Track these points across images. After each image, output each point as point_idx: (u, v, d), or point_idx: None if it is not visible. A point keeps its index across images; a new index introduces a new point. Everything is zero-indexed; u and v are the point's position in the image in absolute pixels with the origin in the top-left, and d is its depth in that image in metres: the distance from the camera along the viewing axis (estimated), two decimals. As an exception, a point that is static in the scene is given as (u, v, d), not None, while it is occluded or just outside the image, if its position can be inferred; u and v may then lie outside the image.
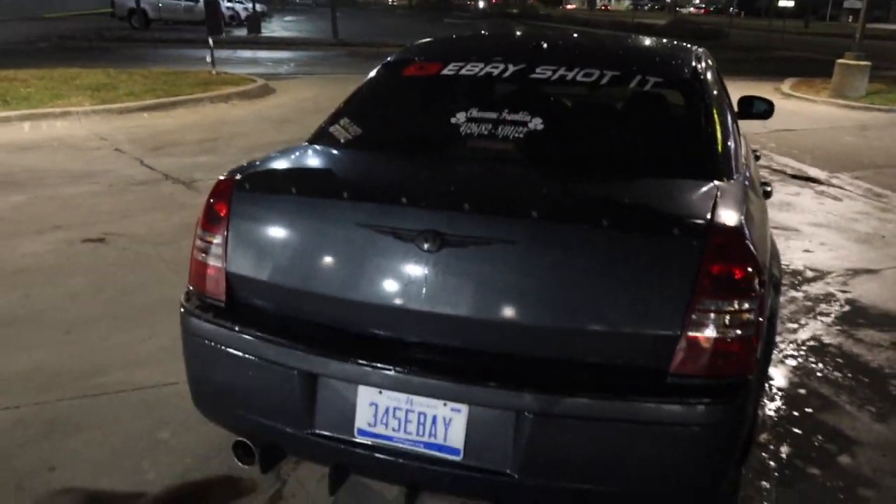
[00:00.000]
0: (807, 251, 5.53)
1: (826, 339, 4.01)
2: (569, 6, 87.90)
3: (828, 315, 4.35)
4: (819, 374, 3.62)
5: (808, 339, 4.00)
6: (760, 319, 1.96)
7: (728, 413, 1.91)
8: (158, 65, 15.70)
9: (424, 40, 3.47)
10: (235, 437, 2.34)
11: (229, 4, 33.83)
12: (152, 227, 5.64)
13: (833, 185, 7.72)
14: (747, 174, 2.69)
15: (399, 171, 2.47)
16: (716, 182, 2.32)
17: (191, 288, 2.39)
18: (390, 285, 2.06)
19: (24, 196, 6.42)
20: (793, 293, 4.66)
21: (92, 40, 22.86)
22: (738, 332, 1.91)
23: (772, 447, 2.98)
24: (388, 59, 3.18)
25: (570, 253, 1.98)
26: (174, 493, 2.63)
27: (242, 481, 2.70)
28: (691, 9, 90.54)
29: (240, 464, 2.37)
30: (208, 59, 14.18)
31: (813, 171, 8.32)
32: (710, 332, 1.90)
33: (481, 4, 70.53)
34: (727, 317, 1.90)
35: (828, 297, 4.62)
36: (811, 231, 6.07)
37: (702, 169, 2.41)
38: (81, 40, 22.83)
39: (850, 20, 60.01)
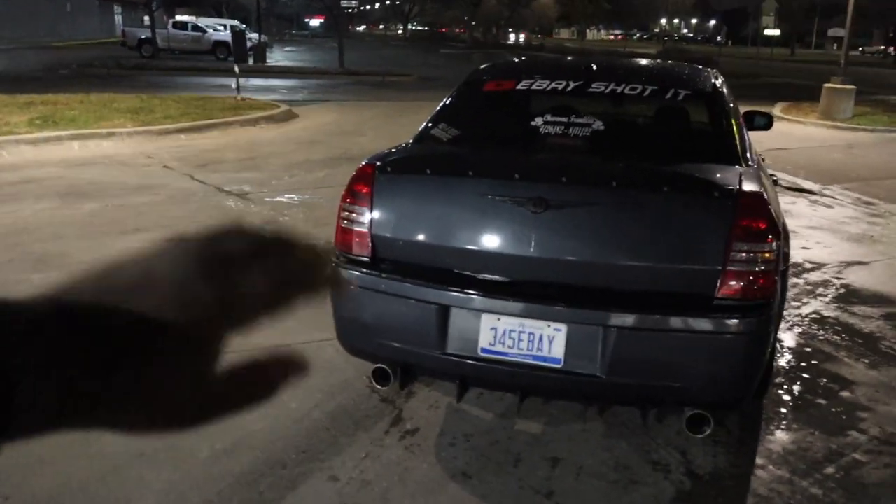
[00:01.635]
0: (805, 248, 6.27)
1: (825, 313, 4.73)
2: (559, 36, 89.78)
3: (826, 296, 5.08)
4: (821, 337, 4.33)
5: (810, 313, 4.72)
6: (778, 259, 2.67)
7: (757, 325, 2.62)
8: (179, 91, 16.51)
9: (491, 64, 4.20)
10: (373, 366, 3.04)
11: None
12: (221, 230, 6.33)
13: (825, 195, 8.50)
14: (761, 165, 3.43)
15: (502, 158, 3.19)
16: (738, 166, 3.05)
17: (338, 250, 3.09)
18: (506, 238, 2.77)
19: (96, 204, 7.11)
20: (794, 280, 5.38)
21: (110, 68, 23.75)
22: (763, 267, 2.62)
23: (786, 387, 3.68)
24: (467, 78, 3.91)
25: (640, 210, 2.71)
26: (316, 417, 3.30)
27: (367, 409, 3.38)
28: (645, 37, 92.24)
29: (377, 386, 3.06)
30: (233, 85, 14.98)
31: (806, 184, 9.10)
32: (742, 268, 2.61)
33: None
34: (754, 256, 2.62)
35: (825, 283, 5.35)
36: (808, 233, 6.81)
37: (726, 156, 3.14)
38: (100, 68, 23.74)
39: (834, 48, 61.62)
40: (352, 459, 2.98)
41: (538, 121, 3.37)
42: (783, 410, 3.44)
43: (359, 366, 3.54)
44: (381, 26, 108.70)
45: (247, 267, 5.40)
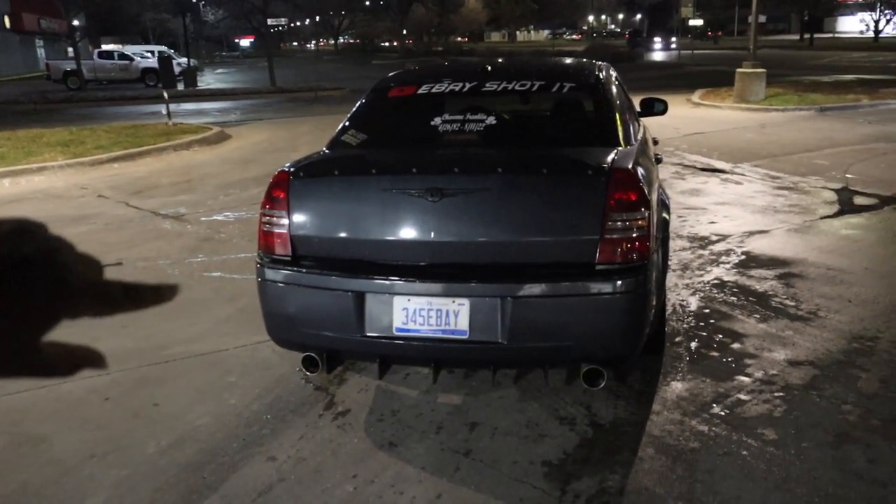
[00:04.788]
0: (712, 222, 6.73)
1: (725, 278, 5.16)
2: (490, 40, 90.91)
3: (727, 263, 5.51)
4: (719, 299, 4.75)
5: (711, 279, 5.14)
6: (650, 226, 3.03)
7: (636, 283, 2.97)
8: (109, 121, 16.49)
9: (397, 72, 4.53)
10: (301, 355, 3.31)
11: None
12: (159, 251, 6.51)
13: (735, 174, 9.03)
14: (641, 146, 3.81)
15: (403, 156, 3.50)
16: (617, 147, 3.42)
17: (261, 252, 3.36)
18: (409, 227, 3.08)
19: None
20: (700, 251, 5.82)
21: (37, 103, 23.42)
22: (636, 234, 2.98)
23: (684, 344, 4.07)
24: (374, 86, 4.23)
25: (525, 192, 3.05)
26: (255, 410, 3.56)
27: (302, 398, 3.65)
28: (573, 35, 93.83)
29: (307, 373, 3.34)
30: (164, 111, 15.05)
31: (719, 164, 9.64)
32: (617, 235, 2.96)
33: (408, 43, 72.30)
34: (628, 224, 2.97)
35: (728, 252, 5.80)
36: (716, 208, 7.29)
37: (605, 139, 3.52)
38: (27, 104, 23.39)
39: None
40: (288, 441, 3.26)
41: (437, 120, 3.70)
42: (680, 364, 3.82)
43: (294, 361, 3.83)
44: (313, 42, 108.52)
45: (185, 281, 5.61)
